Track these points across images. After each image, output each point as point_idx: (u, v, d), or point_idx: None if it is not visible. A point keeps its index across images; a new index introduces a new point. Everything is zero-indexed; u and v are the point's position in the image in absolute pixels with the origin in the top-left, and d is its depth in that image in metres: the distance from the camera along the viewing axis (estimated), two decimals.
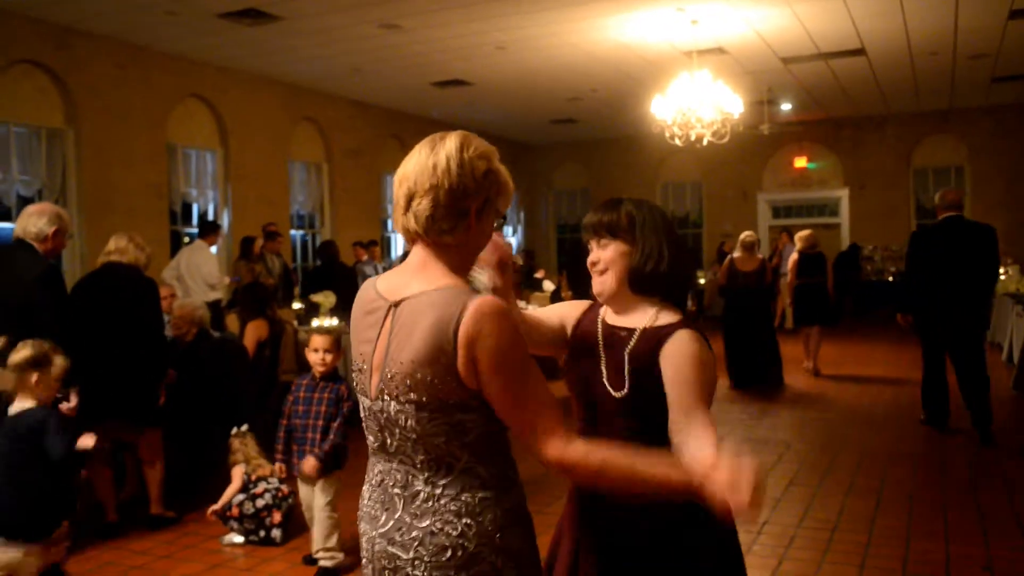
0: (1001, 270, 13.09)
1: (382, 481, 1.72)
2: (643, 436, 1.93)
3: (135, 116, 9.45)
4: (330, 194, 12.94)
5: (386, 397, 1.66)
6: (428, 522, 1.63)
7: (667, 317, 2.02)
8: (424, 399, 1.61)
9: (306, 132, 12.44)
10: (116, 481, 4.99)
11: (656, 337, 1.97)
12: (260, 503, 4.52)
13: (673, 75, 9.85)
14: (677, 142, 10.10)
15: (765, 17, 9.11)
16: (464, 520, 1.62)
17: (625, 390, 1.98)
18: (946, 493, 5.17)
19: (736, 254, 9.20)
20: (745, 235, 9.23)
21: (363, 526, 1.76)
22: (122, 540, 4.65)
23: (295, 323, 7.85)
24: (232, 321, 7.77)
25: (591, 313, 2.16)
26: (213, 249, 9.18)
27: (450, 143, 1.67)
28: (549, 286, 12.89)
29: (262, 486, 4.59)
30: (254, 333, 6.06)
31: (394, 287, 1.71)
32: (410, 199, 1.67)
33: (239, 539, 4.55)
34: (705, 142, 10.04)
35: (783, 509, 4.89)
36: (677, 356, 1.92)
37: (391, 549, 1.67)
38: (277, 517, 4.52)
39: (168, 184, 10.01)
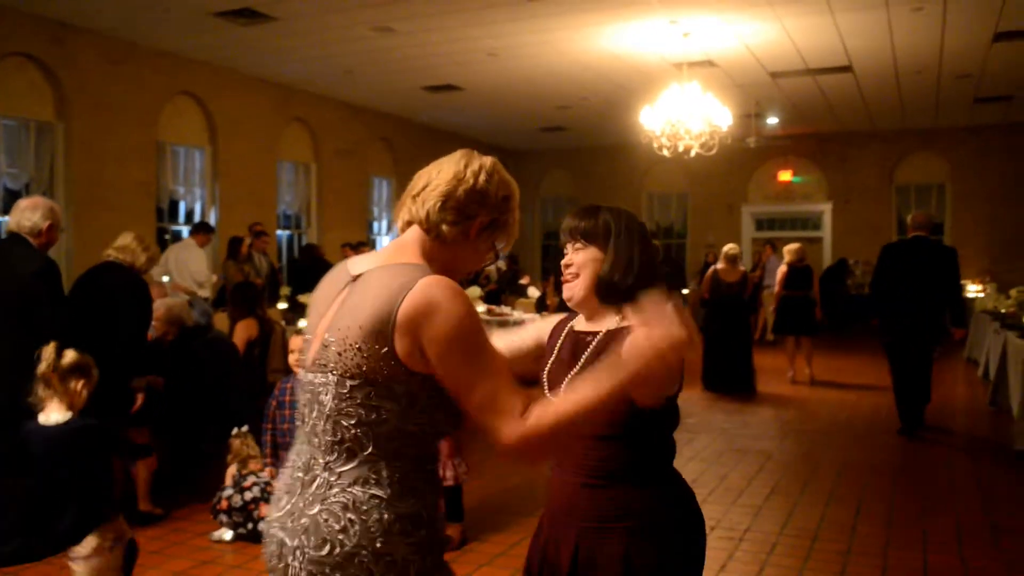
0: (979, 287, 13.36)
1: (293, 463, 1.68)
2: (611, 437, 1.95)
3: (126, 112, 9.43)
4: (318, 195, 12.94)
5: (316, 367, 1.62)
6: (316, 510, 1.57)
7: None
8: (350, 371, 1.55)
9: (296, 132, 12.44)
10: None
11: (620, 337, 1.92)
12: (248, 496, 4.54)
13: (663, 86, 9.96)
14: (665, 153, 10.20)
15: (755, 32, 9.23)
16: (348, 515, 1.54)
17: None
18: (924, 502, 5.28)
19: (719, 265, 9.41)
20: (728, 247, 9.45)
21: (267, 509, 1.68)
22: None
23: (283, 323, 7.87)
24: (221, 320, 7.77)
25: (563, 324, 2.18)
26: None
27: (487, 159, 1.76)
28: (534, 292, 12.93)
29: (251, 480, 4.61)
30: (244, 332, 6.07)
31: (362, 264, 1.70)
32: (426, 186, 1.71)
33: (228, 535, 4.57)
34: (693, 154, 10.15)
35: (765, 517, 4.97)
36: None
37: (280, 534, 1.61)
38: (264, 510, 4.54)
39: (156, 181, 10.00)
